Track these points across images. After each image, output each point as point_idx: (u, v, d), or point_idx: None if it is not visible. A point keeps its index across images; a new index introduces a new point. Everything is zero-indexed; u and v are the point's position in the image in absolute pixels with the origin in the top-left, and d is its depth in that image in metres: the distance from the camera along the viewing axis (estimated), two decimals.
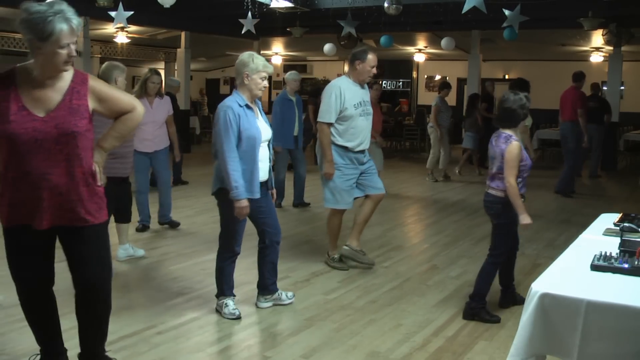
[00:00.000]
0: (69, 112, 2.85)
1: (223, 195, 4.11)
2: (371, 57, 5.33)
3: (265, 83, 4.13)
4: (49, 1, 2.74)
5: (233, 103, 4.04)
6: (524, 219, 4.13)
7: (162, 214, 7.02)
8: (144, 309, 4.39)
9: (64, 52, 2.75)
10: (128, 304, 4.43)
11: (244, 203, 4.03)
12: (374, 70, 5.39)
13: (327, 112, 5.26)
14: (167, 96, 6.90)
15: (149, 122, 6.35)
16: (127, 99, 3.11)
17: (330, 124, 5.26)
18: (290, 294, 4.62)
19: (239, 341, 3.92)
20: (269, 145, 4.31)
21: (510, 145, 4.15)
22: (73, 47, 2.79)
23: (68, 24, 2.73)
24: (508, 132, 4.28)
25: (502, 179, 4.22)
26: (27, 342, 3.73)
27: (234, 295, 4.39)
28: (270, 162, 4.33)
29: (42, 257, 3.06)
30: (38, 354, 3.24)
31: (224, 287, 4.33)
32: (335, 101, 5.24)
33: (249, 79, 4.08)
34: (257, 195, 4.14)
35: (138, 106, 3.13)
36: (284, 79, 8.48)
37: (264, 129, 4.19)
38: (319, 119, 5.32)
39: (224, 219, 4.25)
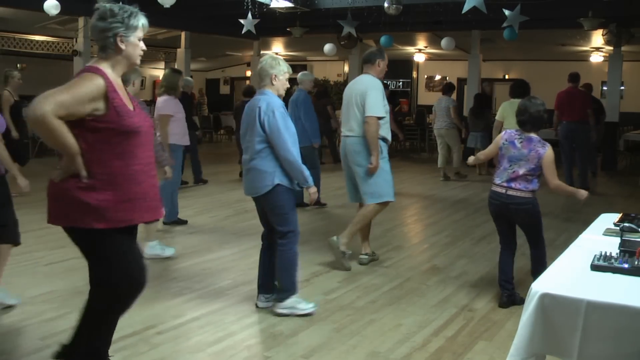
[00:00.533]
0: (141, 107, 3.11)
1: (280, 189, 4.25)
2: (386, 56, 5.66)
3: (288, 83, 4.40)
4: (120, 4, 2.93)
5: (278, 102, 4.27)
6: (582, 195, 4.34)
7: (175, 211, 7.06)
8: (143, 309, 4.38)
9: (141, 44, 2.95)
10: None
11: (315, 188, 4.44)
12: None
13: (379, 106, 5.41)
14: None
15: (183, 117, 6.74)
16: None
17: (381, 118, 5.42)
18: None
19: (239, 341, 3.92)
20: None
21: (548, 149, 4.37)
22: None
23: (145, 20, 2.97)
24: (535, 135, 4.45)
25: (531, 180, 4.40)
26: (27, 342, 3.74)
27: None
28: None
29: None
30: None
31: (297, 281, 4.45)
32: (382, 96, 5.45)
33: (277, 80, 4.30)
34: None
35: None
36: (297, 78, 8.53)
37: None
38: (372, 114, 5.34)
39: (285, 211, 4.29)
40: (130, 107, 2.94)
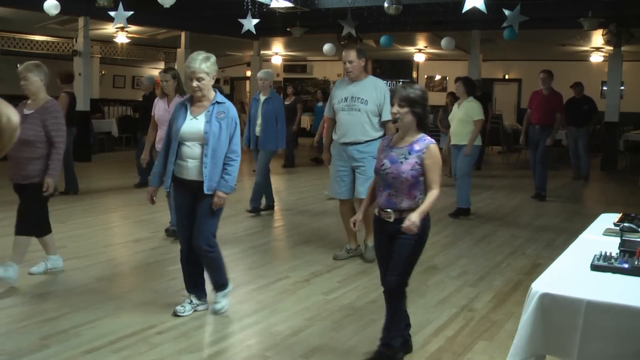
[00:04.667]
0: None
1: None
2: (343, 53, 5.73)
3: (193, 83, 4.10)
4: None
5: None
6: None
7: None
8: (144, 309, 4.38)
9: None
10: (128, 304, 4.43)
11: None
12: (345, 66, 5.66)
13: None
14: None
15: (164, 121, 6.16)
16: None
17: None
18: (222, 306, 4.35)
19: (239, 341, 3.92)
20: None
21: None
22: None
23: None
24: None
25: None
26: (27, 341, 3.74)
27: (189, 294, 4.37)
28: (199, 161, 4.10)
29: None
30: None
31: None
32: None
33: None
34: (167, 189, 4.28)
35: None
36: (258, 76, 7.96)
37: (192, 127, 4.11)
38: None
39: None
40: None
